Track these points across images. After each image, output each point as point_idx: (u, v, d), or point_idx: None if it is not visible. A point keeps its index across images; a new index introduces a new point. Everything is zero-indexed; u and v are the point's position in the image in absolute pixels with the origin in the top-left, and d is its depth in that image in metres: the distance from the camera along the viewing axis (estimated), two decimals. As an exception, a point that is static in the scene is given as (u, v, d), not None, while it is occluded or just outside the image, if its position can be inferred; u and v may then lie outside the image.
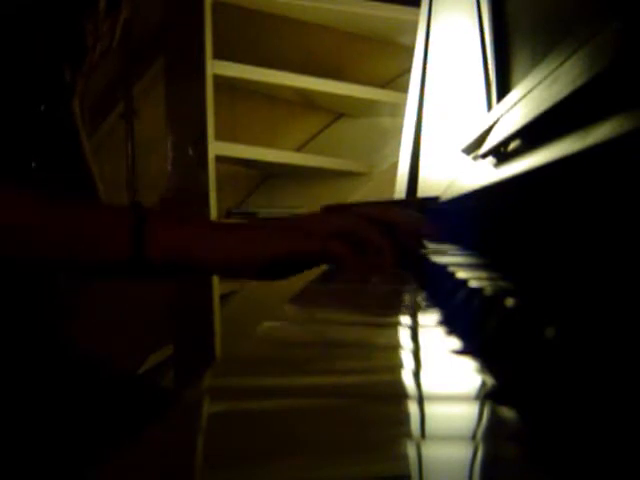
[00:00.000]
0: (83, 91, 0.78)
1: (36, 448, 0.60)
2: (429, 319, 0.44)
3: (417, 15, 1.67)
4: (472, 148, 0.83)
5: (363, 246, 0.65)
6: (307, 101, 2.53)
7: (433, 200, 1.04)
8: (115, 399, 0.70)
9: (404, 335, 0.41)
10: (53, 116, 0.73)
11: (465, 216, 0.81)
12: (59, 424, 0.63)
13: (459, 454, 0.20)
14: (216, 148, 2.13)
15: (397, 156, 1.71)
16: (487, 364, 0.30)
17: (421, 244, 0.76)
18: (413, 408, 0.25)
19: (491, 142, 0.69)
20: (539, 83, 0.54)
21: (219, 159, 2.15)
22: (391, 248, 0.66)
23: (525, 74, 0.66)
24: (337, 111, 2.59)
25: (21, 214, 0.58)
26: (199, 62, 2.11)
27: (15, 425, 0.61)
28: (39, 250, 0.59)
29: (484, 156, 0.73)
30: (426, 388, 0.28)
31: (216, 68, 2.14)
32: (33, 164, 0.72)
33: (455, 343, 0.35)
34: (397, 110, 2.11)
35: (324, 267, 0.79)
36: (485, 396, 0.26)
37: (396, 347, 0.37)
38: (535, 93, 0.55)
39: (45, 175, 0.73)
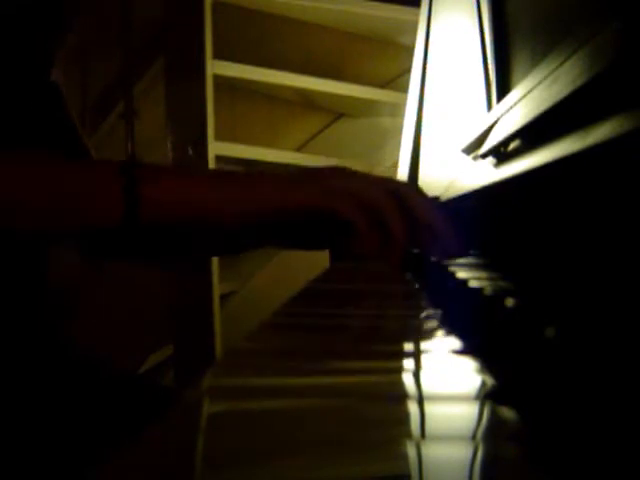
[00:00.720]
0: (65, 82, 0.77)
1: (36, 448, 0.60)
2: (429, 319, 0.44)
3: (417, 15, 1.67)
4: (472, 148, 0.83)
5: (378, 223, 0.56)
6: (307, 101, 2.53)
7: (433, 200, 1.03)
8: (115, 399, 0.70)
9: (404, 335, 0.41)
10: (39, 101, 0.73)
11: (465, 216, 0.81)
12: (59, 424, 0.63)
13: (459, 454, 0.20)
14: (216, 148, 2.13)
15: (397, 156, 1.71)
16: (487, 364, 0.30)
17: (437, 254, 0.63)
18: (413, 408, 0.25)
19: (491, 142, 0.69)
20: (539, 83, 0.54)
21: (219, 159, 2.15)
22: (404, 238, 0.57)
23: (525, 74, 0.66)
24: (337, 111, 2.59)
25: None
26: (199, 62, 2.11)
27: (15, 425, 0.61)
28: (19, 216, 0.54)
29: (484, 156, 0.73)
30: (426, 388, 0.28)
31: (216, 68, 2.14)
32: None
33: (455, 343, 0.35)
34: (397, 110, 2.12)
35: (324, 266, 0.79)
36: (485, 396, 0.26)
37: (396, 347, 0.37)
38: (535, 93, 0.55)
39: None
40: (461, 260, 0.66)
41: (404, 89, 1.75)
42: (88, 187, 0.56)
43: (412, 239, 0.58)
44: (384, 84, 2.50)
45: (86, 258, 0.76)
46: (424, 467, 0.20)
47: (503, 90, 0.81)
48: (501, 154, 0.68)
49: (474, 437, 0.22)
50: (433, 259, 0.64)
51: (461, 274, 0.47)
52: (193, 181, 0.57)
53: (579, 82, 0.42)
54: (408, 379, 0.30)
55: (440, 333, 0.39)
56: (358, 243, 0.56)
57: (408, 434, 0.23)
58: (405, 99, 1.70)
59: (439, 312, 0.46)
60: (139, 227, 0.55)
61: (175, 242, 0.70)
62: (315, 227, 0.60)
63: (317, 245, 0.67)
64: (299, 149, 2.58)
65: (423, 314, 0.47)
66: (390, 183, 0.60)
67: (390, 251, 0.57)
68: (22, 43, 0.70)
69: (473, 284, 0.41)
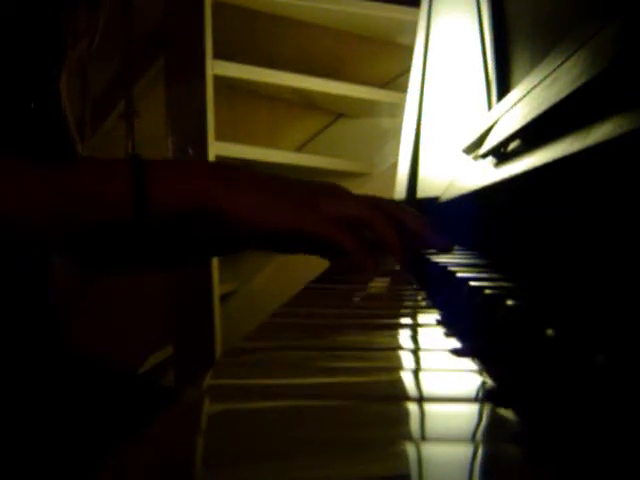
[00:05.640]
0: (71, 88, 0.78)
1: (36, 448, 0.60)
2: (429, 319, 0.44)
3: (417, 15, 1.67)
4: (472, 148, 0.83)
5: (373, 238, 0.63)
6: (307, 101, 2.52)
7: (433, 200, 1.04)
8: (115, 399, 0.70)
9: (404, 335, 0.41)
10: (43, 113, 0.73)
11: (465, 216, 0.81)
12: (59, 424, 0.63)
13: (459, 455, 0.20)
14: (216, 148, 2.13)
15: (397, 156, 1.71)
16: (487, 365, 0.30)
17: (422, 248, 0.73)
18: (413, 408, 0.25)
19: (491, 142, 0.69)
20: (539, 83, 0.54)
21: (219, 159, 2.15)
22: (400, 244, 0.64)
23: (525, 74, 0.66)
24: (337, 111, 2.59)
25: (5, 181, 0.56)
26: (199, 62, 2.11)
27: (15, 425, 0.61)
28: (32, 217, 0.56)
29: (484, 156, 0.73)
30: (426, 388, 0.28)
31: (216, 68, 2.14)
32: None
33: (455, 343, 0.35)
34: (397, 110, 2.11)
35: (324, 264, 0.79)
36: (485, 397, 0.26)
37: (396, 347, 0.37)
38: (535, 93, 0.55)
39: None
40: (461, 260, 0.66)
41: (404, 89, 1.75)
42: (95, 182, 0.57)
43: (404, 243, 0.65)
44: (384, 84, 2.50)
45: (79, 272, 0.77)
46: (424, 467, 0.20)
47: (503, 90, 0.81)
48: (501, 154, 0.68)
49: (474, 438, 0.22)
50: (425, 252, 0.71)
51: (461, 274, 0.47)
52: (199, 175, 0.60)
53: (579, 82, 0.42)
54: (408, 379, 0.30)
55: (440, 333, 0.39)
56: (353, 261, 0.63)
57: (408, 434, 0.23)
58: (405, 99, 1.70)
59: (439, 312, 0.46)
60: (150, 215, 0.57)
61: (184, 249, 0.72)
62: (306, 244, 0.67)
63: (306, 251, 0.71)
64: (299, 149, 2.58)
65: (422, 313, 0.47)
66: (374, 200, 0.67)
67: (391, 253, 0.64)
68: (33, 52, 0.70)
69: (473, 284, 0.41)
